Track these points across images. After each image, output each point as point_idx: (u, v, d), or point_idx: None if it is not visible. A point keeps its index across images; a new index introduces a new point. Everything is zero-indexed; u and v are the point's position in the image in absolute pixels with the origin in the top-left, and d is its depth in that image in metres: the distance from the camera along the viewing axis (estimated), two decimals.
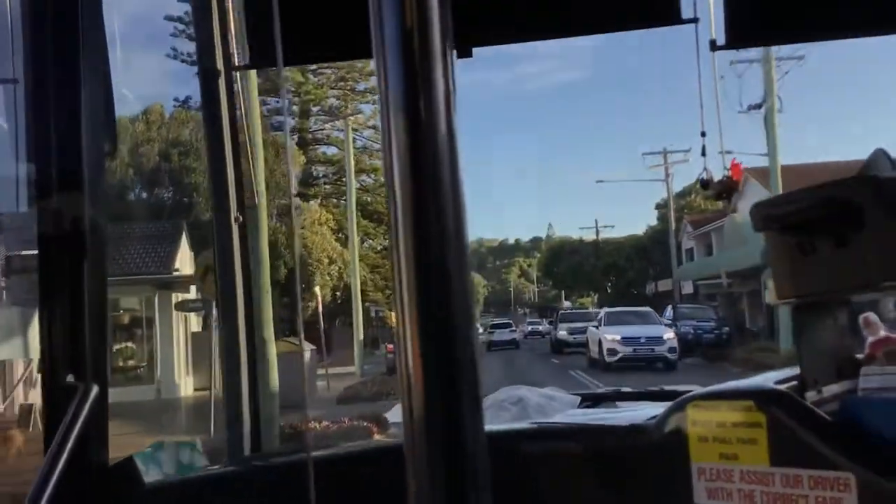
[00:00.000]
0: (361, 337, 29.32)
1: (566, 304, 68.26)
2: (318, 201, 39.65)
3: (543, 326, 52.92)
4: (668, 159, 41.75)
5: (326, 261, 32.61)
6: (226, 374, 2.45)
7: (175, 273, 21.33)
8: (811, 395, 1.48)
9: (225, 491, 1.97)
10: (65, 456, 1.64)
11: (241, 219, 2.38)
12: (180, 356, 22.11)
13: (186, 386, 22.17)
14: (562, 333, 34.24)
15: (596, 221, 57.57)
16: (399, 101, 0.69)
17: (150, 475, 1.96)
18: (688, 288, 39.79)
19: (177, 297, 20.04)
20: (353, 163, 31.74)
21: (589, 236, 59.83)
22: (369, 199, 43.68)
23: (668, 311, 32.33)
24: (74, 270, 1.84)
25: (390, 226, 0.70)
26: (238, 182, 2.43)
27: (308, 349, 19.17)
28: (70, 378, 1.80)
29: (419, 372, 0.67)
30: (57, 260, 1.85)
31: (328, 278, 31.94)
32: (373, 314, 41.86)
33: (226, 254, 2.40)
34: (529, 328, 55.80)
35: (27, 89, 1.92)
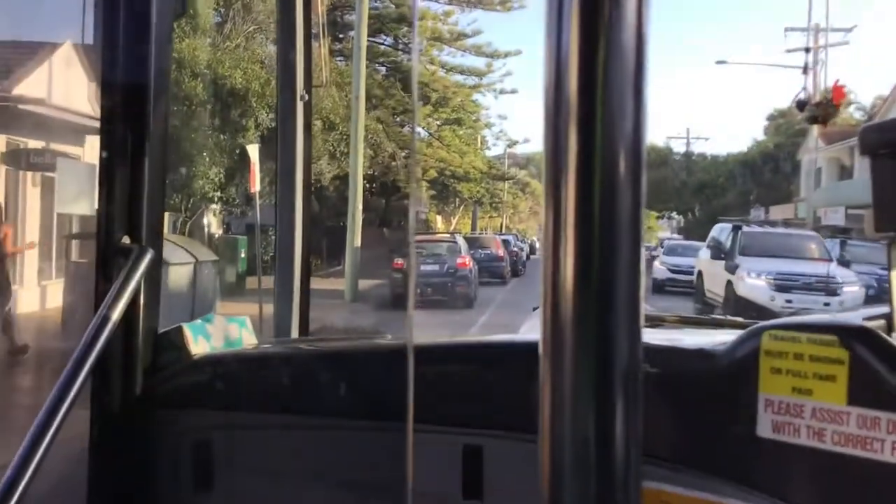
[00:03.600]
0: (358, 244, 21.12)
1: None
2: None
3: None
4: (820, 39, 30.25)
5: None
6: (279, 255, 2.42)
7: None
8: None
9: (271, 369, 1.96)
10: (114, 318, 1.63)
11: (306, 97, 2.31)
12: None
13: None
14: (659, 268, 26.18)
15: (688, 130, 52.64)
16: None
17: (199, 346, 1.95)
18: (834, 219, 29.13)
19: None
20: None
21: (678, 148, 51.47)
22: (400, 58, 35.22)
23: (833, 245, 20.12)
24: (136, 133, 1.79)
25: (545, 121, 0.61)
26: (307, 60, 2.35)
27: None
28: (126, 240, 1.77)
29: (570, 269, 0.61)
30: (119, 122, 1.80)
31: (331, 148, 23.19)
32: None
33: (288, 133, 2.34)
34: None
35: None
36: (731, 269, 16.60)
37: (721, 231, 19.93)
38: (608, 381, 0.61)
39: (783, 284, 15.51)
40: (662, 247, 39.28)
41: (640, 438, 0.63)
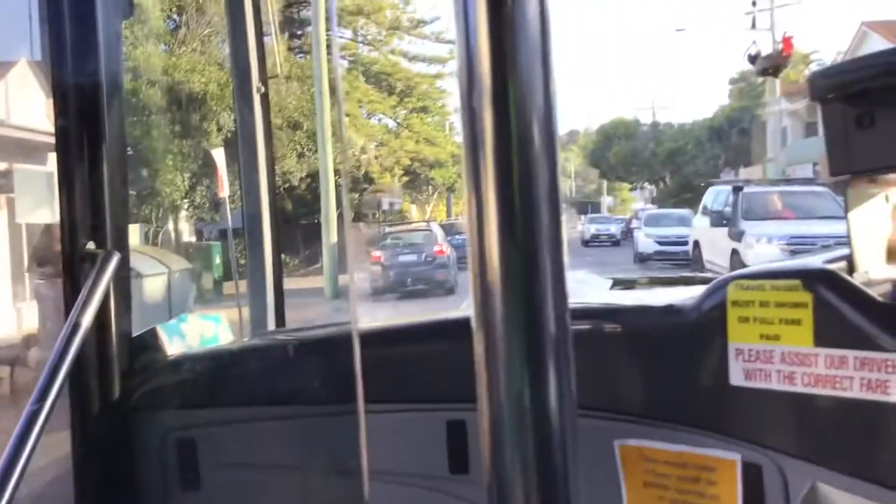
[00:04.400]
0: (334, 239, 20.60)
1: (608, 199, 66.15)
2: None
3: (615, 227, 40.14)
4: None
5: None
6: (249, 250, 2.42)
7: None
8: (860, 276, 1.41)
9: (248, 363, 1.96)
10: (85, 323, 1.62)
11: (262, 89, 2.30)
12: None
13: None
14: (644, 241, 24.71)
15: (653, 101, 52.41)
16: None
17: (174, 346, 1.95)
18: (803, 175, 26.43)
19: None
20: None
21: (645, 119, 50.30)
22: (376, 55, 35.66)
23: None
24: (92, 136, 1.78)
25: (462, 101, 0.63)
26: (260, 52, 2.34)
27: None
28: (90, 245, 1.76)
29: (494, 240, 0.62)
30: (74, 126, 1.79)
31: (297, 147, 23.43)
32: (385, 206, 37.33)
33: (247, 126, 2.33)
34: (593, 229, 40.33)
35: None
36: (737, 236, 14.76)
37: (717, 195, 17.97)
38: (539, 347, 0.63)
39: (799, 249, 12.88)
40: (638, 217, 38.93)
41: (574, 400, 0.64)
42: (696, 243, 17.98)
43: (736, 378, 1.40)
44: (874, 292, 1.35)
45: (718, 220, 16.00)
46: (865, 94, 1.39)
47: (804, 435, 1.37)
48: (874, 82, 1.38)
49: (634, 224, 30.26)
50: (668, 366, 1.50)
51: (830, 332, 1.31)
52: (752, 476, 1.40)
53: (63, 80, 1.79)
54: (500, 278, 0.63)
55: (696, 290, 1.56)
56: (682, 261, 20.34)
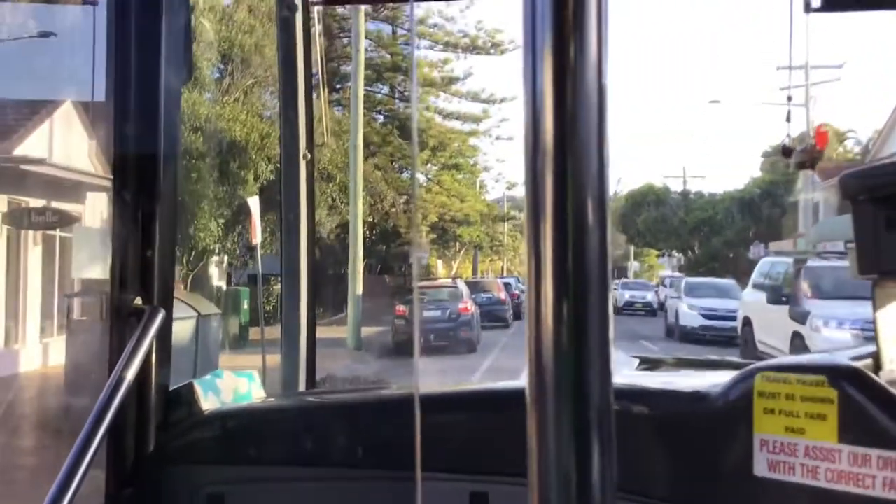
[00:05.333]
0: (360, 291, 20.84)
1: (635, 264, 65.42)
2: None
3: (651, 294, 37.08)
4: (811, 77, 31.18)
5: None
6: (285, 309, 2.48)
7: None
8: (886, 374, 1.43)
9: (282, 422, 2.01)
10: (129, 377, 1.68)
11: (308, 156, 2.38)
12: None
13: None
14: (688, 313, 21.90)
15: (684, 170, 51.82)
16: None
17: (209, 402, 2.00)
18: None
19: None
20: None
21: (675, 187, 49.73)
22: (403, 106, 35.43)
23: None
24: (147, 197, 1.86)
25: (525, 166, 0.66)
26: (308, 120, 2.44)
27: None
28: (138, 301, 1.83)
29: (550, 323, 0.65)
30: (131, 187, 1.87)
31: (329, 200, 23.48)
32: (411, 261, 37.77)
33: (291, 191, 2.41)
34: (627, 296, 36.75)
35: (108, 14, 1.93)
36: (800, 318, 13.18)
37: (773, 267, 16.38)
38: (584, 422, 0.66)
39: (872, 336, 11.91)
40: (665, 285, 36.37)
41: (615, 472, 0.67)
42: (748, 321, 16.21)
43: (760, 469, 1.42)
44: None
45: (776, 296, 14.41)
46: (895, 197, 1.43)
47: None
48: None
49: (663, 291, 29.03)
50: (694, 452, 1.52)
51: (855, 429, 1.33)
52: None
53: (124, 140, 1.88)
54: (553, 353, 0.65)
55: (722, 376, 1.59)
56: (729, 338, 18.74)
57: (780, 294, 14.42)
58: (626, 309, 34.98)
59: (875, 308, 1.49)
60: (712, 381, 1.60)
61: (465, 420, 1.79)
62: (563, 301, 0.65)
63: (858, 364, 1.43)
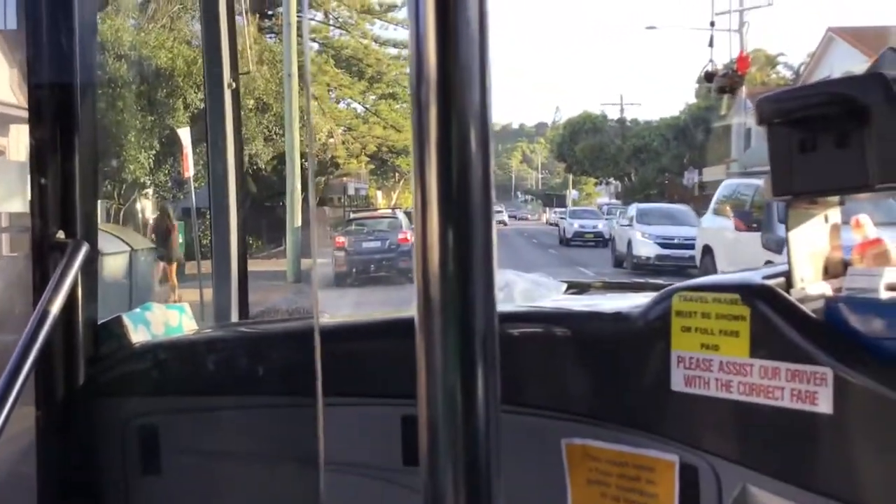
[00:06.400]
0: (298, 223, 20.35)
1: (573, 193, 65.91)
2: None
3: (603, 223, 32.92)
4: (745, 2, 29.80)
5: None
6: (215, 241, 2.45)
7: None
8: (797, 293, 1.50)
9: (212, 353, 2.01)
10: (54, 311, 1.66)
11: (234, 85, 2.33)
12: None
13: None
14: (642, 241, 20.08)
15: (621, 97, 50.90)
16: None
17: (139, 335, 1.99)
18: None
19: None
20: None
21: (612, 115, 49.55)
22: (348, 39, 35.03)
23: None
24: (65, 127, 1.81)
25: (412, 97, 0.68)
26: (232, 47, 2.38)
27: None
28: (60, 234, 1.80)
29: (436, 251, 0.68)
30: (48, 116, 1.82)
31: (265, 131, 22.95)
32: (350, 191, 37.26)
33: (217, 121, 2.36)
34: (577, 225, 33.33)
35: None
36: (774, 246, 11.14)
37: (735, 189, 14.93)
38: (468, 342, 0.69)
39: None
40: (604, 212, 35.13)
41: (498, 392, 0.71)
42: (708, 249, 14.81)
43: (677, 384, 1.49)
44: (809, 308, 1.44)
45: (747, 221, 13.01)
46: (809, 120, 1.48)
47: (738, 440, 1.46)
48: (817, 110, 1.47)
49: (623, 221, 24.34)
50: (615, 370, 1.58)
51: (766, 345, 1.40)
52: (689, 477, 1.49)
53: (38, 69, 1.81)
54: (439, 277, 0.69)
55: (645, 298, 1.65)
56: (684, 267, 17.37)
57: (749, 219, 13.08)
58: (576, 240, 32.38)
59: (787, 228, 1.54)
60: (634, 302, 1.66)
61: (403, 346, 1.82)
62: (448, 228, 0.67)
63: (771, 282, 1.49)
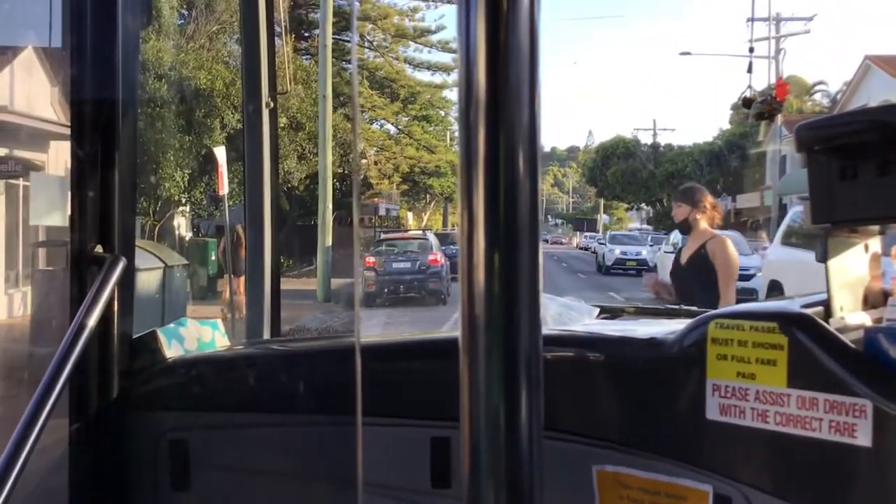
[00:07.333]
0: (329, 243, 20.43)
1: (604, 217, 65.60)
2: None
3: (647, 249, 30.30)
4: (781, 28, 31.34)
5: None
6: (249, 260, 2.47)
7: None
8: (836, 322, 1.47)
9: (245, 370, 2.02)
10: (90, 325, 1.67)
11: (272, 104, 2.36)
12: None
13: None
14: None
15: (654, 122, 51.48)
16: None
17: (172, 350, 2.00)
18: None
19: None
20: None
21: (645, 139, 49.31)
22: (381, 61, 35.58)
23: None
24: (106, 143, 1.84)
25: (460, 117, 0.68)
26: (271, 67, 2.40)
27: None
28: (98, 248, 1.82)
29: (482, 272, 0.67)
30: (89, 133, 1.85)
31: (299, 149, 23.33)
32: (381, 212, 36.98)
33: (254, 140, 2.39)
34: (618, 252, 30.77)
35: None
36: None
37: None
38: (513, 366, 0.68)
39: None
40: (650, 240, 32.77)
41: (542, 415, 0.71)
42: (775, 285, 13.40)
43: (712, 413, 1.46)
44: (848, 338, 1.41)
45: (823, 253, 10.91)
46: (849, 147, 1.46)
47: (773, 471, 1.43)
48: (858, 137, 1.45)
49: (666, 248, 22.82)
50: (648, 397, 1.56)
51: (803, 374, 1.38)
52: None
53: (81, 87, 1.85)
54: (484, 298, 0.68)
55: (679, 324, 1.62)
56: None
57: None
58: (616, 267, 29.72)
59: (827, 257, 1.52)
60: (668, 328, 1.64)
61: (432, 367, 1.81)
62: (494, 251, 0.66)
63: (809, 311, 1.47)
